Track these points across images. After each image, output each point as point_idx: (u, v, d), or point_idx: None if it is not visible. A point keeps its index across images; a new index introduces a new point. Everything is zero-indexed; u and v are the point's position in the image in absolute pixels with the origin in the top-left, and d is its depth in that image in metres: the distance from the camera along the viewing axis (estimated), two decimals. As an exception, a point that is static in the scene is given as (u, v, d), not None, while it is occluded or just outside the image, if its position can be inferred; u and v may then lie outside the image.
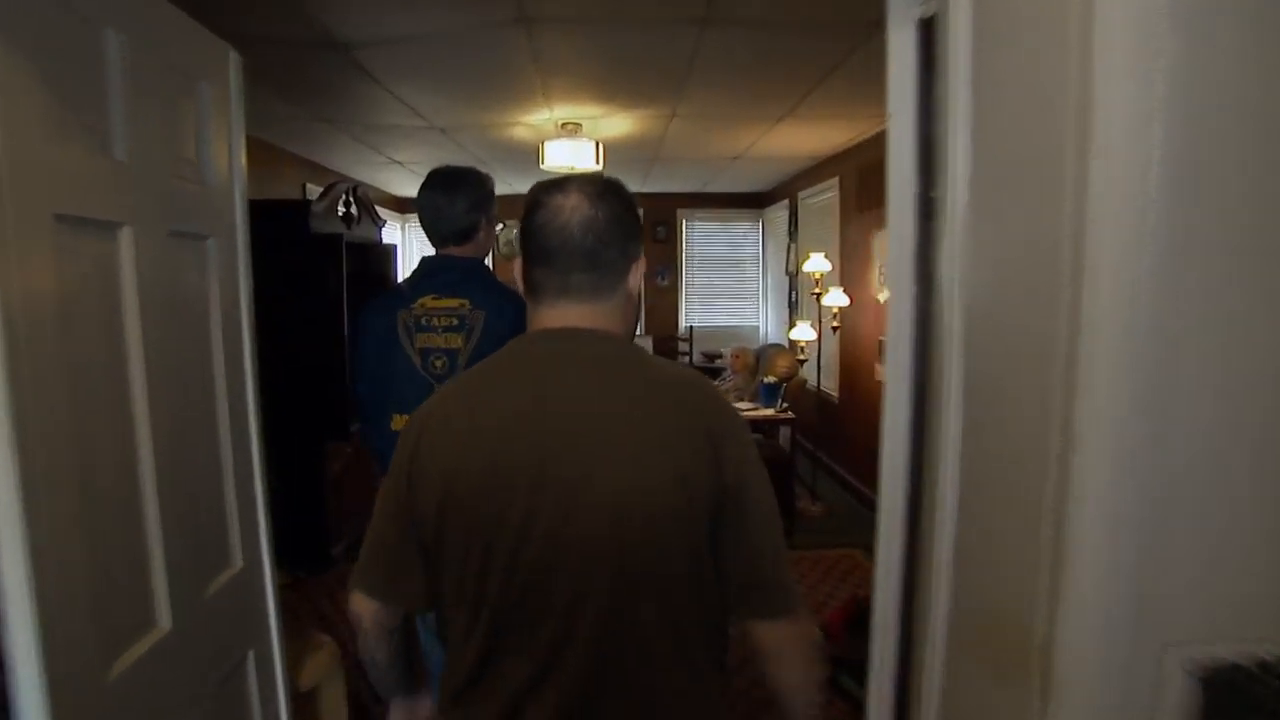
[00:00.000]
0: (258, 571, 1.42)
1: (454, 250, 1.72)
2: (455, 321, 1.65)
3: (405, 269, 7.30)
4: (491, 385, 0.89)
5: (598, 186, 0.89)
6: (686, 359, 6.99)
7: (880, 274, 4.15)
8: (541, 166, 3.83)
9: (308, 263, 3.29)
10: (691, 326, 7.10)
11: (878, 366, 4.20)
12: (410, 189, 6.47)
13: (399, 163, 5.01)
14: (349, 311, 3.44)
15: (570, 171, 3.90)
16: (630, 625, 0.82)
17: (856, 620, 2.04)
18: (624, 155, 4.63)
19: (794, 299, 6.16)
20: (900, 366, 1.10)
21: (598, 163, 3.64)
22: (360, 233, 3.96)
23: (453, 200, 1.68)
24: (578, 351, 0.87)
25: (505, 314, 1.65)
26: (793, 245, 6.09)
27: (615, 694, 0.83)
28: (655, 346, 6.67)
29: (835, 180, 4.97)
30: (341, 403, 3.41)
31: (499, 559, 0.81)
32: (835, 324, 4.42)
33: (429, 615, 1.13)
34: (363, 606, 0.91)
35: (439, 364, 1.64)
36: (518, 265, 0.93)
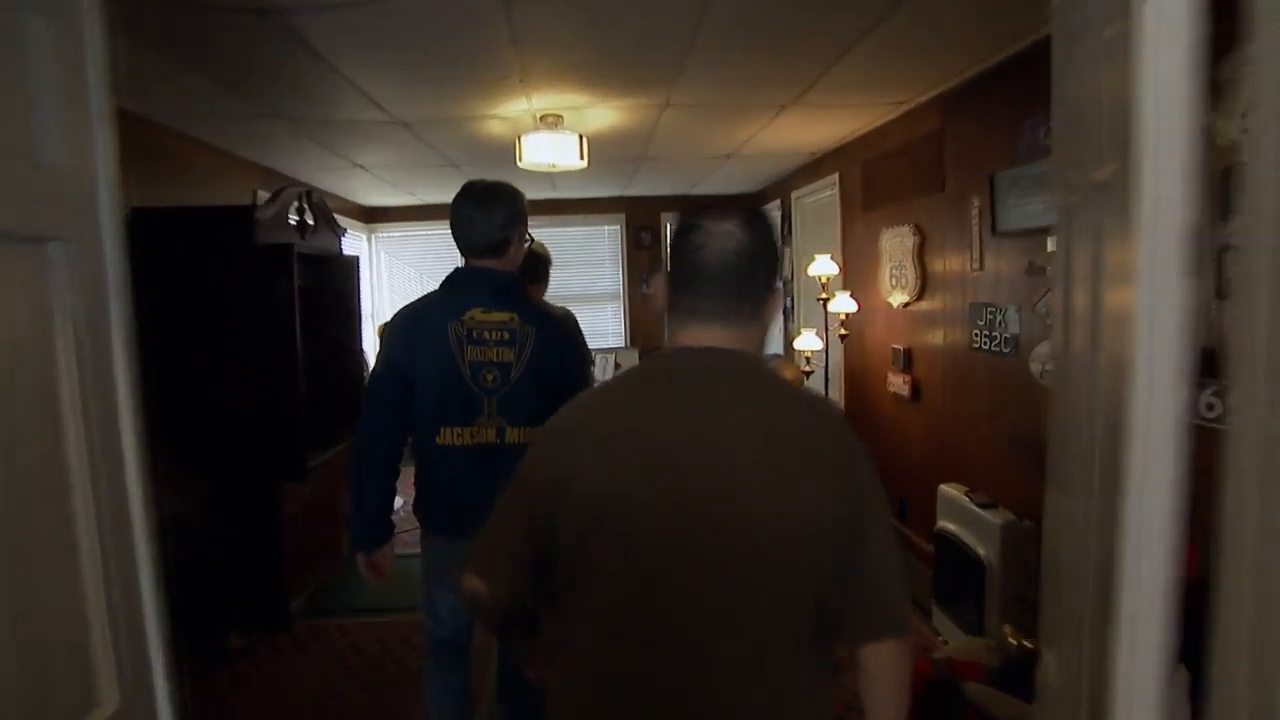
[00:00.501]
0: (143, 712, 1.01)
1: (488, 263, 1.74)
2: (507, 336, 1.66)
3: (376, 284, 6.90)
4: (638, 398, 0.94)
5: (748, 216, 0.95)
6: (676, 370, 6.62)
7: (890, 276, 3.84)
8: (520, 165, 3.45)
9: (254, 276, 2.87)
10: (681, 336, 6.73)
11: (890, 376, 3.87)
12: (378, 197, 6.11)
13: (362, 166, 4.59)
14: (302, 330, 3.01)
15: (552, 169, 3.58)
16: (763, 639, 0.87)
17: (936, 695, 1.68)
18: (609, 154, 4.27)
19: (790, 306, 5.84)
20: (1164, 390, 0.73)
21: (582, 158, 3.27)
22: (317, 243, 3.53)
23: (488, 214, 1.71)
24: (724, 371, 0.92)
25: (552, 332, 1.72)
26: (787, 248, 5.77)
27: (745, 705, 0.86)
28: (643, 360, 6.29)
29: (835, 178, 4.65)
30: (296, 437, 2.98)
31: (643, 570, 0.86)
32: (843, 331, 4.08)
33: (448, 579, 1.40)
34: (475, 585, 0.98)
35: (490, 378, 1.64)
36: (659, 283, 1.06)
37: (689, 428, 0.87)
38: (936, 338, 3.44)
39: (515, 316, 1.68)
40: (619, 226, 6.77)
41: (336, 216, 5.50)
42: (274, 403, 2.92)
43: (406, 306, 1.77)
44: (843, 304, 4.00)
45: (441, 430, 1.65)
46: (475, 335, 1.66)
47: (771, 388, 0.94)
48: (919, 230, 3.54)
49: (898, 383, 3.79)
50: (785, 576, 0.85)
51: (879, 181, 4.03)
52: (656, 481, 0.85)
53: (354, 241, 6.24)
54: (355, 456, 1.73)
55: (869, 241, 4.12)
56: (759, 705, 0.86)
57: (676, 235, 0.96)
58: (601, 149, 3.93)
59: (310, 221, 3.52)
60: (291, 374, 2.91)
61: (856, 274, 4.32)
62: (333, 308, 3.81)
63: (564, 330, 1.81)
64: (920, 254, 3.54)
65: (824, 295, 4.00)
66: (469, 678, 1.93)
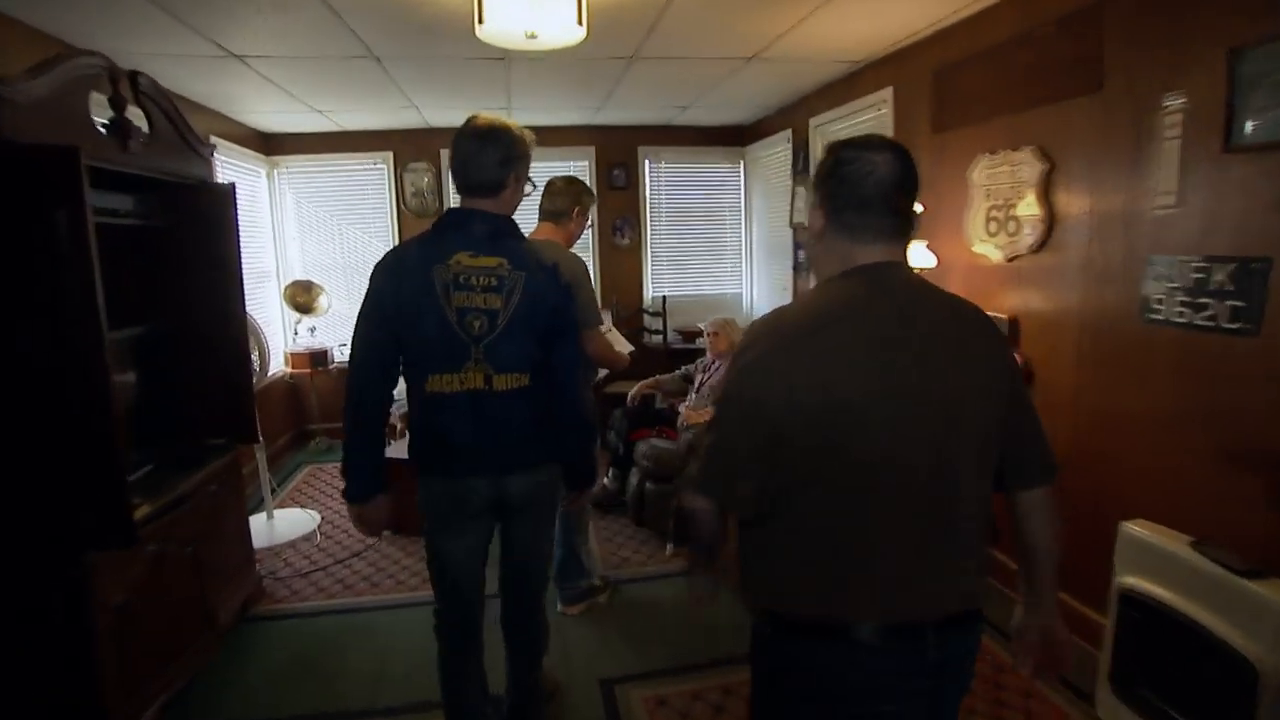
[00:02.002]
0: None
1: (481, 203, 1.67)
2: (494, 282, 1.61)
3: (279, 234, 5.50)
4: (849, 305, 1.03)
5: (899, 147, 1.08)
6: (660, 338, 5.57)
7: (988, 221, 2.85)
8: (479, 34, 2.24)
9: (6, 201, 1.61)
10: (665, 297, 5.65)
11: None
12: (278, 117, 4.49)
13: (241, 58, 3.22)
14: (136, 293, 1.79)
15: (531, 37, 2.05)
16: (970, 502, 1.05)
17: None
18: (594, 47, 3.06)
19: (800, 260, 4.82)
20: None
21: (580, 23, 2.09)
22: (155, 160, 2.25)
23: (485, 149, 1.65)
24: (910, 279, 1.08)
25: (543, 279, 1.66)
26: (800, 188, 4.71)
27: (957, 554, 1.05)
28: (619, 324, 5.18)
29: (886, 94, 3.59)
30: (109, 477, 1.78)
31: (884, 453, 0.99)
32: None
33: None
34: (699, 504, 1.10)
35: (477, 324, 1.60)
36: (813, 213, 1.11)
37: (902, 329, 1.01)
38: (1068, 303, 2.49)
39: (505, 262, 1.63)
40: (588, 163, 5.55)
41: (222, 144, 4.11)
42: (68, 412, 1.71)
43: (394, 248, 1.72)
44: (920, 257, 2.99)
45: (430, 378, 1.62)
46: (462, 280, 1.60)
47: (938, 289, 1.10)
48: (1044, 155, 2.54)
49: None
50: (983, 439, 1.05)
51: (965, 92, 3.00)
52: (888, 374, 0.99)
53: (249, 178, 4.81)
54: (346, 406, 1.69)
55: (946, 175, 3.11)
56: (975, 527, 1.06)
57: (838, 163, 1.06)
58: (581, 45, 2.71)
59: (144, 127, 2.23)
60: (93, 371, 1.70)
61: (926, 219, 3.32)
62: (193, 260, 2.54)
63: (559, 278, 1.72)
64: (1046, 187, 2.55)
65: (895, 245, 2.98)
66: (483, 660, 1.93)
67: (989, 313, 1.16)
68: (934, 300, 1.06)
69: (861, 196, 1.02)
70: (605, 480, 3.85)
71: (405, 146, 5.25)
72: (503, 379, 1.64)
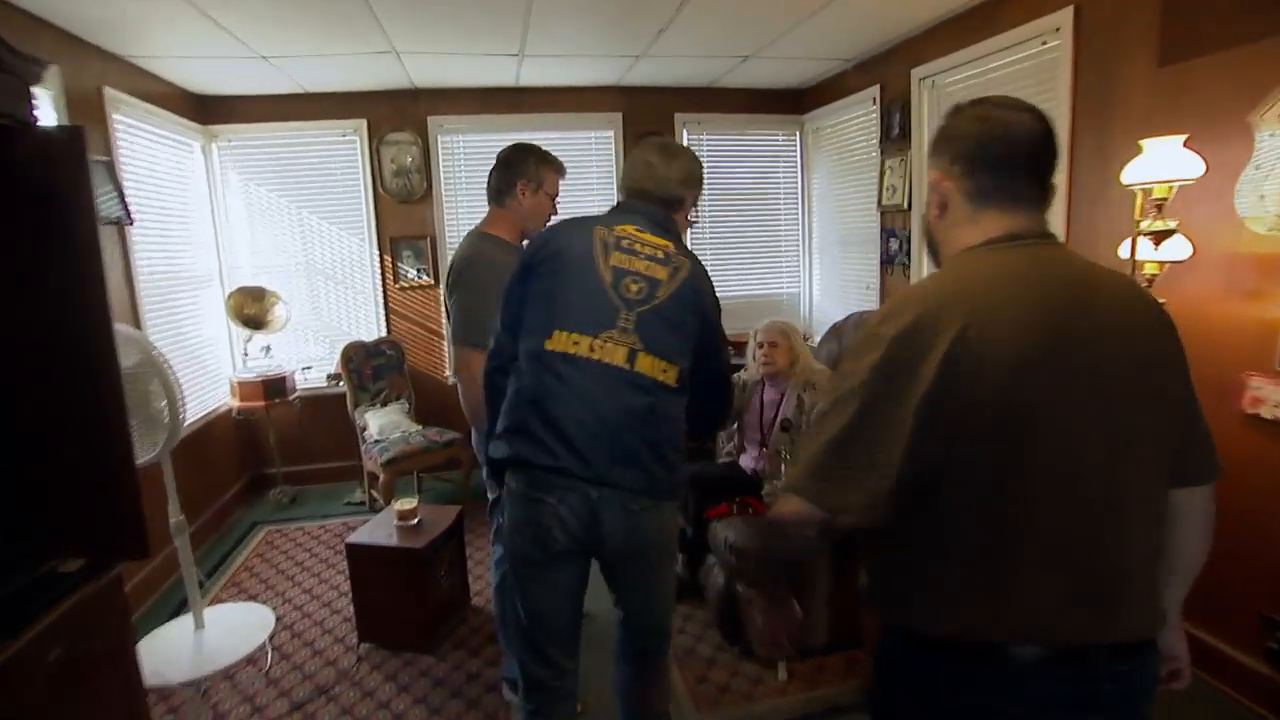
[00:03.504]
0: None
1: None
2: (661, 255, 1.49)
3: (220, 222, 3.77)
4: (1016, 281, 0.90)
5: (1040, 111, 0.95)
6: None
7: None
8: None
9: None
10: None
11: (1256, 383, 1.92)
12: (214, 73, 3.15)
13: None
14: None
15: None
16: (1146, 514, 0.92)
17: None
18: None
19: (893, 250, 3.79)
20: None
21: None
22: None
23: (669, 164, 1.58)
24: (1072, 258, 0.95)
25: (704, 277, 1.54)
26: (896, 161, 3.67)
27: (1135, 559, 0.90)
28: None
29: (1062, 16, 2.56)
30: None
31: (1057, 453, 0.86)
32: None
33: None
34: (800, 511, 0.92)
35: (635, 289, 1.45)
36: (937, 182, 1.00)
37: (1078, 315, 0.88)
38: None
39: (671, 245, 1.52)
40: (613, 132, 4.47)
41: (131, 103, 2.98)
42: None
43: (552, 226, 1.64)
44: (1175, 249, 1.97)
45: (555, 334, 1.43)
46: (625, 245, 1.48)
47: (1104, 269, 0.96)
48: None
49: (1277, 397, 1.85)
50: (1159, 444, 0.92)
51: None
52: (1064, 362, 0.86)
53: (177, 152, 3.67)
54: (486, 396, 1.64)
55: (1201, 124, 2.08)
56: (1151, 543, 0.93)
57: (979, 120, 0.96)
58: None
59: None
60: None
61: (1119, 195, 2.31)
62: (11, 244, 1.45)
63: (711, 285, 1.57)
64: None
65: (1151, 225, 1.93)
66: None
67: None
68: (1107, 284, 0.92)
69: (1010, 158, 0.94)
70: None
71: (384, 113, 4.13)
72: (648, 360, 1.43)
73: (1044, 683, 0.87)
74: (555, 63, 3.69)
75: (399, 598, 2.50)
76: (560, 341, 1.42)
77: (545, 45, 3.34)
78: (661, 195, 1.58)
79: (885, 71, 3.71)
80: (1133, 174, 1.92)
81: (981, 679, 0.89)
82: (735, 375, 2.86)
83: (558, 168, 2.09)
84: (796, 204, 4.83)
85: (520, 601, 1.54)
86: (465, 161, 4.29)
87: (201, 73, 3.48)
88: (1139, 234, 1.93)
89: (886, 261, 3.87)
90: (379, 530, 2.60)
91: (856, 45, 3.61)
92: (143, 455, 2.23)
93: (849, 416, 0.89)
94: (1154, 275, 2.06)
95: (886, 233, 3.84)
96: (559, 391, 1.40)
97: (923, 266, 3.58)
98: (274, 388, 3.82)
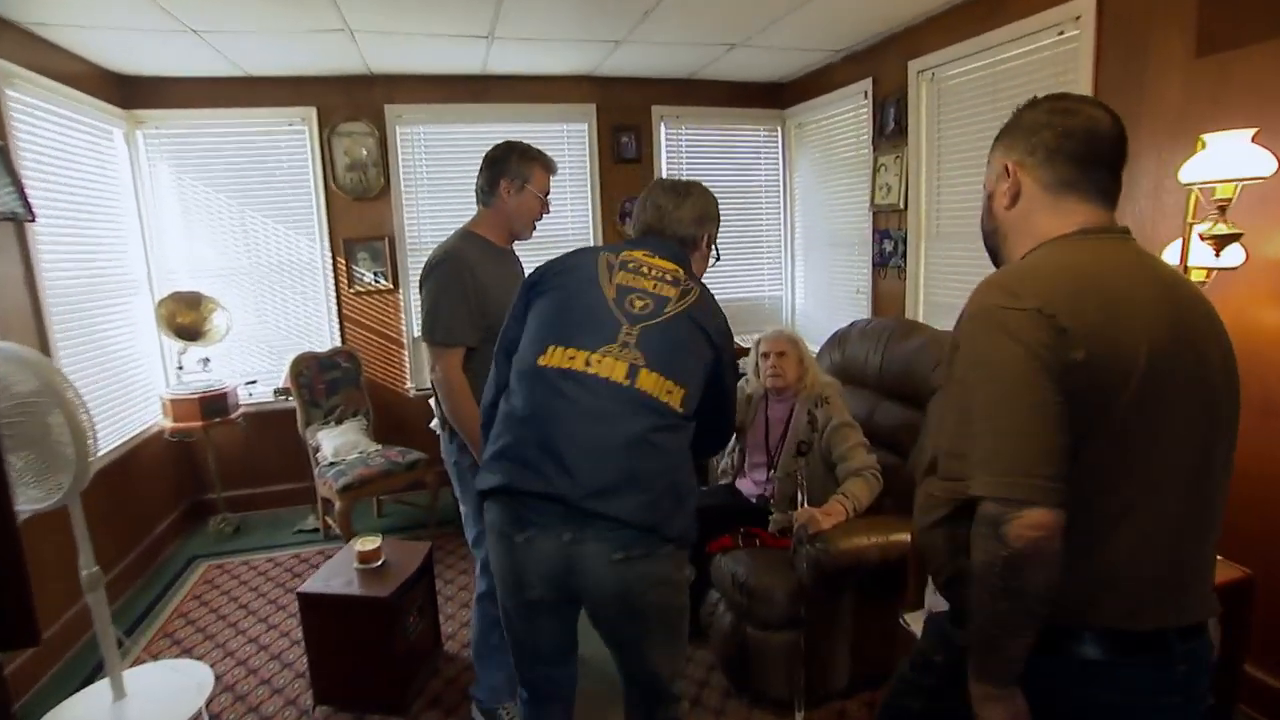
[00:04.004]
0: None
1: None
2: (670, 277, 1.42)
3: (149, 222, 3.20)
4: (1118, 267, 0.90)
5: (1108, 107, 0.96)
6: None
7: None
8: None
9: None
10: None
11: None
12: (137, 50, 2.71)
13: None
14: None
15: None
16: (1224, 491, 0.94)
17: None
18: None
19: (887, 252, 3.60)
20: None
21: None
22: None
23: (680, 205, 1.53)
24: (1144, 254, 0.95)
25: (715, 308, 1.45)
26: (891, 158, 3.49)
27: (1211, 548, 0.94)
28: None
29: (1085, 4, 2.38)
30: None
31: (1172, 435, 0.87)
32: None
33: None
34: (1047, 521, 0.80)
35: (640, 305, 1.36)
36: (1003, 174, 1.00)
37: (1167, 304, 0.88)
38: None
39: (682, 271, 1.45)
40: (587, 125, 4.18)
41: (35, 82, 2.56)
42: None
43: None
44: (1232, 256, 1.79)
45: (550, 349, 1.33)
46: (631, 266, 1.42)
47: (1170, 265, 1.05)
48: None
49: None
50: (1233, 433, 0.93)
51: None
52: (1180, 351, 0.86)
53: (95, 140, 3.23)
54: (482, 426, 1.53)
55: (1242, 121, 1.92)
56: (1219, 532, 0.94)
57: (1056, 113, 0.96)
58: None
59: None
60: None
61: (1152, 192, 2.14)
62: None
63: (723, 317, 1.47)
64: None
65: (1213, 229, 1.75)
66: None
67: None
68: (1184, 283, 0.96)
69: (1094, 151, 0.94)
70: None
71: (336, 100, 3.75)
72: (650, 377, 1.29)
73: (1127, 668, 0.87)
74: (528, 48, 3.38)
75: (362, 653, 2.18)
76: (555, 357, 1.32)
77: (519, 26, 3.03)
78: (675, 235, 1.52)
79: (879, 63, 3.52)
80: (1192, 172, 1.74)
81: (1071, 665, 0.88)
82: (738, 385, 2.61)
83: (545, 164, 1.98)
84: (778, 203, 4.62)
85: (505, 629, 1.46)
86: (427, 155, 3.93)
87: (121, 48, 3.06)
88: (1202, 238, 1.74)
89: (880, 264, 3.68)
90: (337, 575, 2.27)
91: (850, 34, 3.41)
92: (45, 500, 1.85)
93: (996, 402, 0.84)
94: (1201, 283, 1.89)
95: (879, 234, 3.66)
96: (555, 407, 1.29)
97: (920, 270, 3.40)
98: (213, 405, 3.41)
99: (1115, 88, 2.32)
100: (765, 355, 2.48)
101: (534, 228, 2.03)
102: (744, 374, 2.66)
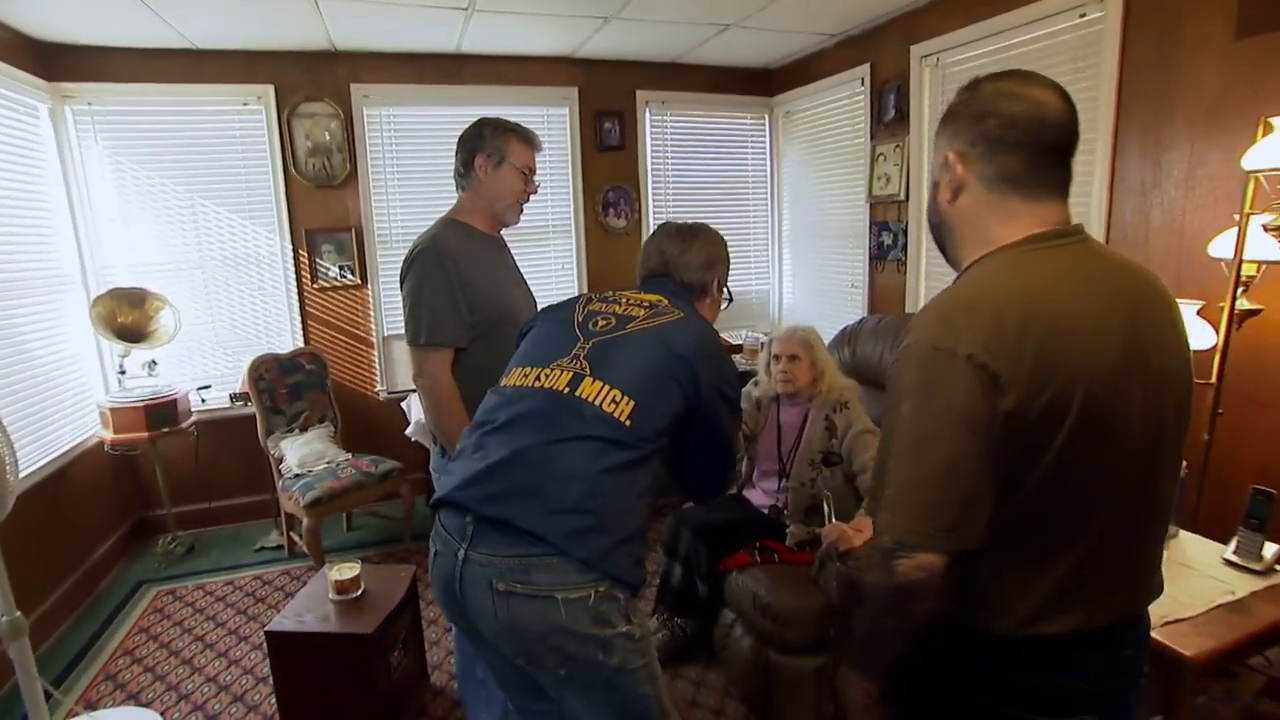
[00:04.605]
0: None
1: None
2: (646, 304, 1.33)
3: (82, 208, 2.83)
4: (1057, 286, 0.86)
5: (1064, 89, 0.89)
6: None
7: None
8: None
9: None
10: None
11: None
12: (62, 11, 2.44)
13: None
14: None
15: None
16: (1173, 470, 0.95)
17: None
18: None
19: (885, 244, 3.48)
20: None
21: None
22: None
23: (686, 250, 1.44)
24: (1105, 248, 0.93)
25: (703, 332, 1.30)
26: (890, 147, 3.36)
27: (1159, 545, 0.98)
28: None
29: (1111, -19, 2.27)
30: None
31: (1115, 455, 0.86)
32: (1248, 307, 1.80)
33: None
34: (933, 564, 0.83)
35: (601, 323, 1.30)
36: (948, 165, 0.94)
37: (1131, 307, 0.87)
38: None
39: (665, 300, 1.34)
40: (569, 109, 3.94)
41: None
42: None
43: None
44: (1271, 248, 1.68)
45: (512, 371, 1.31)
46: (610, 297, 1.37)
47: (1124, 257, 0.94)
48: None
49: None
50: (1185, 424, 0.93)
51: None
52: (1134, 362, 0.85)
53: (17, 115, 2.86)
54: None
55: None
56: (1168, 527, 1.00)
57: (998, 97, 0.89)
58: None
59: None
60: None
61: (1214, 187, 2.04)
62: None
63: (706, 344, 1.29)
64: None
65: (1278, 220, 1.64)
66: None
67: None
68: (1139, 277, 0.91)
69: (1042, 140, 0.86)
70: (661, 626, 2.37)
71: (296, 78, 3.43)
72: (594, 385, 1.19)
73: (1081, 662, 0.92)
74: (510, 23, 3.13)
75: (341, 695, 1.93)
76: (514, 377, 1.29)
77: (486, 28, 2.78)
78: (681, 281, 1.43)
79: (877, 49, 3.38)
80: (1259, 158, 1.62)
81: (1038, 663, 0.91)
82: (745, 390, 2.44)
83: (524, 136, 1.80)
84: (765, 194, 4.46)
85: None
86: (397, 139, 3.64)
87: (42, 10, 2.69)
88: (1265, 229, 1.63)
89: (877, 257, 3.55)
90: (310, 609, 2.01)
91: (849, 17, 3.25)
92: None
93: (932, 446, 0.83)
94: (1250, 278, 1.79)
95: (878, 226, 3.53)
96: (495, 417, 1.24)
97: (921, 262, 3.28)
98: (160, 414, 3.07)
99: (1143, 73, 2.22)
100: (776, 358, 2.31)
101: (520, 210, 1.84)
102: (754, 375, 2.49)
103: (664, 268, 1.43)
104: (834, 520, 2.00)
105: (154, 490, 3.34)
